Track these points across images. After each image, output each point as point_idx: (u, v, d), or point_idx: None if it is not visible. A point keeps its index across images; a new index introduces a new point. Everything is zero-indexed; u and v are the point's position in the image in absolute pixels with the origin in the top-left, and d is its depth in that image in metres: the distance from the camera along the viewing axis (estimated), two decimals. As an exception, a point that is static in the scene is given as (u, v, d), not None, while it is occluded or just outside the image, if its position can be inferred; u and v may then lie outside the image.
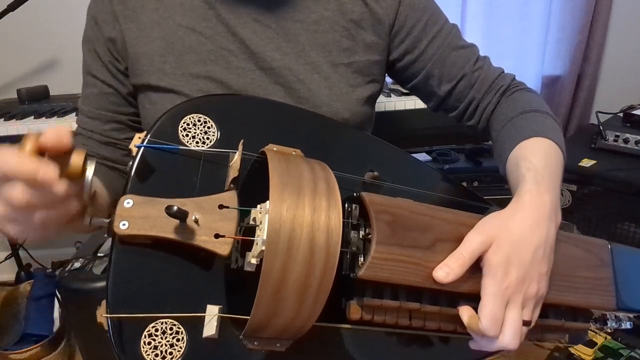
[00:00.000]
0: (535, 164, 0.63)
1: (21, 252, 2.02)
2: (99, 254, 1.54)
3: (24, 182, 0.41)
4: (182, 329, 0.51)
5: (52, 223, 0.45)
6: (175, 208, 0.46)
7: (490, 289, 0.54)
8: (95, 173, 0.47)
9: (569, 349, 1.66)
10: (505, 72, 0.84)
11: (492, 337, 0.54)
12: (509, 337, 0.54)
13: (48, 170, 0.41)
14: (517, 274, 0.54)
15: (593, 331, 1.68)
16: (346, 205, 0.56)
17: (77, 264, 1.49)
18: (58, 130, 0.42)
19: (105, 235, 1.67)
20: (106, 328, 0.49)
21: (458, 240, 0.56)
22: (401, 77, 0.86)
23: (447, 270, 0.54)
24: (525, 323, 0.55)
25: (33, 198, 0.42)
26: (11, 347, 1.68)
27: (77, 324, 1.55)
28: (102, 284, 0.65)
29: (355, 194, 0.58)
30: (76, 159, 0.44)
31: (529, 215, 0.57)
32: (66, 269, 1.48)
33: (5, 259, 2.04)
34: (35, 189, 0.41)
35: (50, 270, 1.97)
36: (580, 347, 1.64)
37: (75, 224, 0.49)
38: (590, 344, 1.65)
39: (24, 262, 2.02)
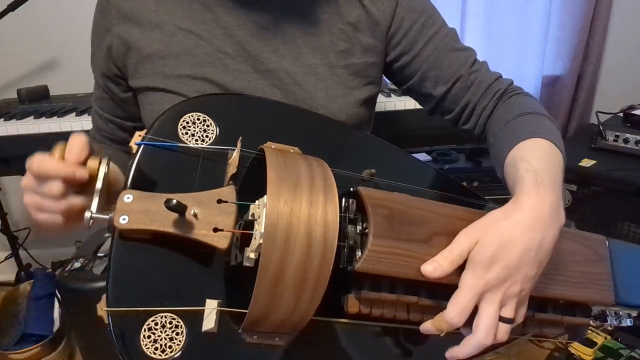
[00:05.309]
0: (535, 165, 0.61)
1: (21, 252, 2.03)
2: (99, 254, 1.55)
3: (62, 180, 0.54)
4: (182, 322, 0.51)
5: (73, 210, 0.57)
6: (174, 201, 0.47)
7: (466, 282, 0.54)
8: (110, 165, 0.57)
9: (569, 348, 1.66)
10: (503, 77, 0.83)
11: (455, 325, 0.54)
12: (483, 331, 0.54)
13: (82, 172, 0.55)
14: (498, 273, 0.54)
15: (593, 331, 1.68)
16: (343, 200, 0.56)
17: (77, 264, 1.50)
18: (79, 145, 0.55)
19: (106, 235, 1.67)
20: (106, 322, 0.49)
21: (454, 234, 0.56)
22: (398, 78, 0.86)
23: (436, 265, 0.54)
24: (506, 320, 0.55)
25: (66, 190, 0.56)
26: (11, 347, 1.68)
27: (77, 324, 1.55)
28: (102, 284, 0.65)
29: (352, 189, 0.58)
30: (91, 164, 0.55)
31: (525, 217, 0.56)
32: (66, 269, 1.49)
33: (5, 259, 2.04)
34: (68, 184, 0.55)
35: (50, 270, 1.96)
36: (580, 347, 1.64)
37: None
38: (590, 343, 1.65)
39: (24, 262, 2.03)
